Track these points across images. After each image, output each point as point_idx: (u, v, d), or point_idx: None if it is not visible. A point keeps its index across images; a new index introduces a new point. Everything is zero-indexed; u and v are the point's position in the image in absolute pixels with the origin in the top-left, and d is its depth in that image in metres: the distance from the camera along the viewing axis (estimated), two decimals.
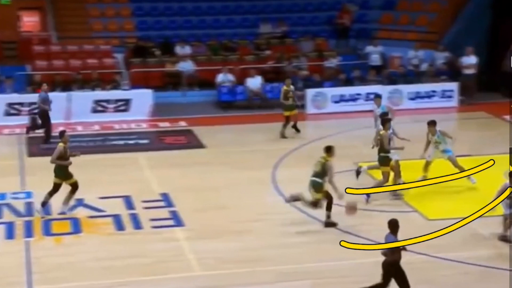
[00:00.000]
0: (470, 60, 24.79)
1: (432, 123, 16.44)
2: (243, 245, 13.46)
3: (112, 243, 13.65)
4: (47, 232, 14.17)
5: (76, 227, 14.36)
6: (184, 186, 16.55)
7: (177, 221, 14.64)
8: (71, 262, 12.80)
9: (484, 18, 27.08)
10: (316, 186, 14.08)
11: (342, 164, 17.55)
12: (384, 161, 15.52)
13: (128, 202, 15.56)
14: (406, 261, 10.83)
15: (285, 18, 28.91)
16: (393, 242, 10.59)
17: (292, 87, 21.25)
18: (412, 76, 25.67)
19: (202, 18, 28.91)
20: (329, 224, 14.17)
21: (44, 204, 14.76)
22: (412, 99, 24.28)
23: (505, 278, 12.09)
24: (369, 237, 13.52)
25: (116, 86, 24.10)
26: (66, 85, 23.96)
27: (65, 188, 14.80)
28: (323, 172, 14.04)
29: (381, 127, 15.90)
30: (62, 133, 15.11)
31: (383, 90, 23.92)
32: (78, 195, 15.06)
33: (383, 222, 14.59)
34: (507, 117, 22.71)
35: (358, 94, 24.17)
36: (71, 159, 14.74)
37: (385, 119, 15.83)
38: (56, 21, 27.67)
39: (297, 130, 21.16)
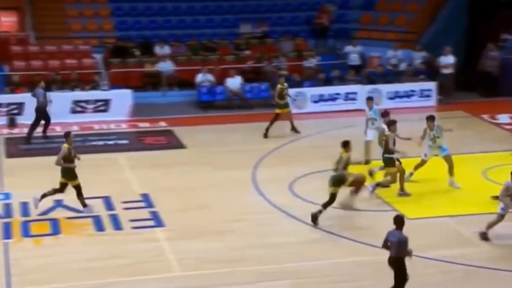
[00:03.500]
0: (448, 60, 24.98)
1: (430, 118, 16.45)
2: (224, 245, 13.46)
3: (92, 244, 13.59)
4: (26, 233, 14.08)
5: (56, 228, 14.28)
6: (165, 187, 16.52)
7: (158, 221, 14.61)
8: (50, 264, 12.74)
9: (462, 18, 27.32)
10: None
11: (323, 164, 17.64)
12: (388, 162, 15.61)
13: (108, 202, 15.51)
14: None
15: (264, 18, 28.94)
16: (398, 238, 10.66)
17: (285, 84, 21.20)
18: (391, 75, 25.81)
19: (182, 18, 28.86)
20: (315, 217, 14.21)
21: (44, 196, 14.75)
22: (391, 98, 24.39)
23: (486, 276, 12.23)
24: (352, 237, 13.63)
25: (95, 86, 23.96)
26: (44, 86, 23.77)
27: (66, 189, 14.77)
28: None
29: (383, 126, 16.07)
30: (67, 134, 14.99)
31: (362, 89, 24.07)
32: (56, 196, 15.00)
33: (365, 222, 14.78)
34: (485, 116, 22.94)
35: (337, 94, 24.25)
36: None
37: (390, 121, 15.91)
38: (34, 21, 27.48)
39: (296, 131, 21.02)
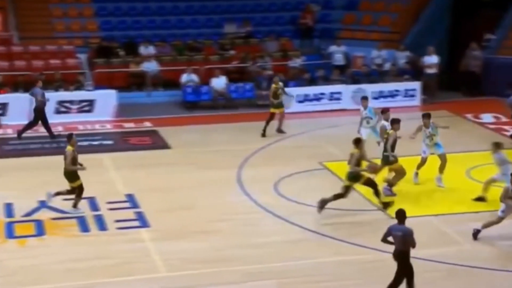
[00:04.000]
0: (431, 60, 25.12)
1: (426, 116, 16.54)
2: (209, 245, 13.47)
3: (76, 245, 13.56)
4: (10, 234, 14.02)
5: (40, 229, 14.22)
6: (150, 187, 16.50)
7: (143, 222, 14.60)
8: (35, 265, 12.70)
9: (445, 19, 27.48)
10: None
11: (308, 163, 17.73)
12: (388, 161, 15.68)
13: (93, 203, 15.46)
14: (375, 259, 10.94)
15: (249, 18, 28.96)
16: (403, 231, 10.78)
17: (280, 84, 21.21)
18: (375, 75, 25.91)
19: (166, 18, 28.82)
20: (322, 203, 14.42)
21: (58, 194, 14.80)
22: (375, 98, 24.42)
23: (470, 274, 12.33)
24: (336, 236, 13.68)
25: (79, 86, 23.87)
26: (28, 86, 23.63)
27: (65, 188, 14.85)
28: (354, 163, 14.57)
29: (383, 122, 16.22)
30: (70, 137, 14.92)
31: (347, 89, 24.17)
32: (41, 196, 14.97)
33: (350, 221, 14.82)
34: (469, 115, 23.09)
35: (322, 94, 24.31)
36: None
37: (394, 119, 15.92)
38: (18, 21, 27.31)
39: (282, 132, 20.96)
